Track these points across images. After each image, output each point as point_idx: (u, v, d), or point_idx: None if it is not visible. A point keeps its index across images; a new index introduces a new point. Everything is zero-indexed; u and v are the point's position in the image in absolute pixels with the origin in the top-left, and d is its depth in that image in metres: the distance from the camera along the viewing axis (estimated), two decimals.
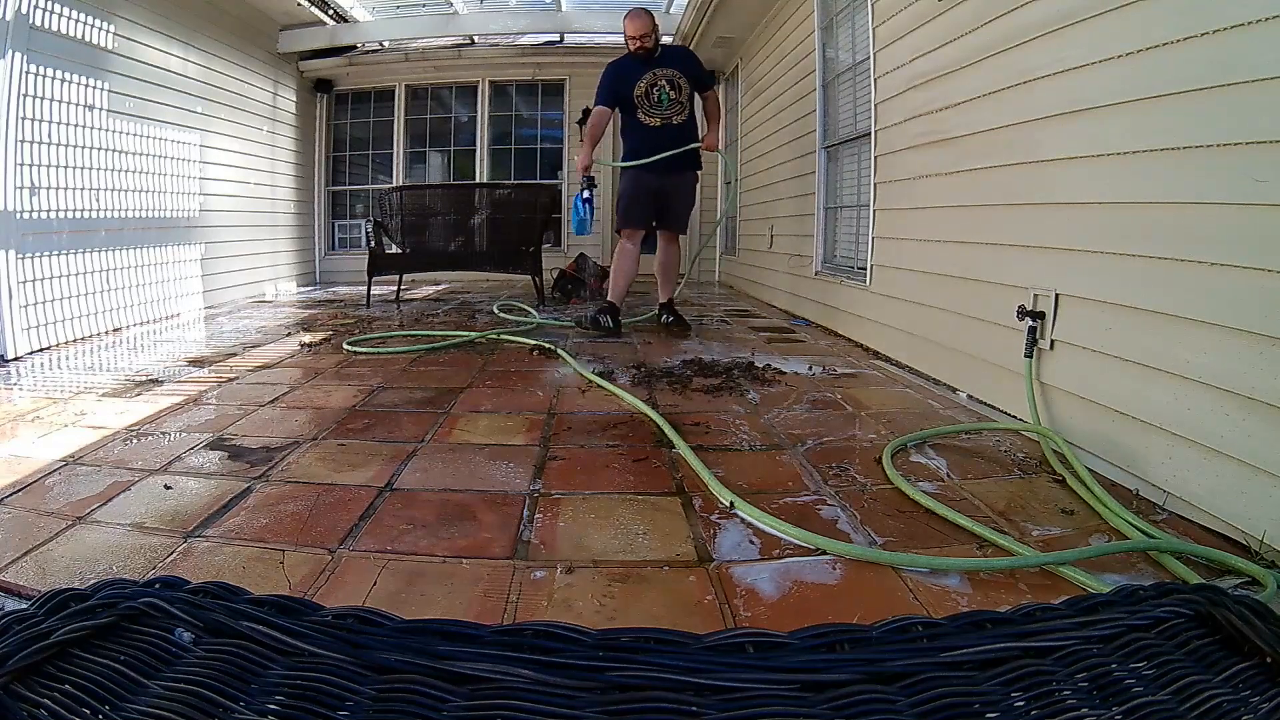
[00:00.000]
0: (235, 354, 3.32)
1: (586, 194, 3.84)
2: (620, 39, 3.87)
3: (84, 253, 3.79)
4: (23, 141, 3.34)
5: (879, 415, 2.28)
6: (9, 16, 3.22)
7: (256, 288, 5.96)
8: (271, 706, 0.47)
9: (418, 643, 0.51)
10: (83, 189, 3.81)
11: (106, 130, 4.00)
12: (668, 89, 3.64)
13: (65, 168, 3.66)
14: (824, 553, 1.34)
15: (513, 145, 7.45)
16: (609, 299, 3.86)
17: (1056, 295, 2.00)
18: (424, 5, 6.51)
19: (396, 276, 5.57)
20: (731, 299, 5.65)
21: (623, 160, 3.84)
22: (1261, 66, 1.37)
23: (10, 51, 3.23)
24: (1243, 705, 0.48)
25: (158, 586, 0.56)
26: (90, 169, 3.87)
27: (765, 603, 1.19)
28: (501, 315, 4.49)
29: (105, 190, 4.01)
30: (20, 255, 3.31)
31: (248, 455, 1.87)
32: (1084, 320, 1.91)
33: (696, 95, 3.80)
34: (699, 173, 3.94)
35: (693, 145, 3.73)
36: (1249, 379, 1.39)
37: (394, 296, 5.55)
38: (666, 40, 4.70)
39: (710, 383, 2.67)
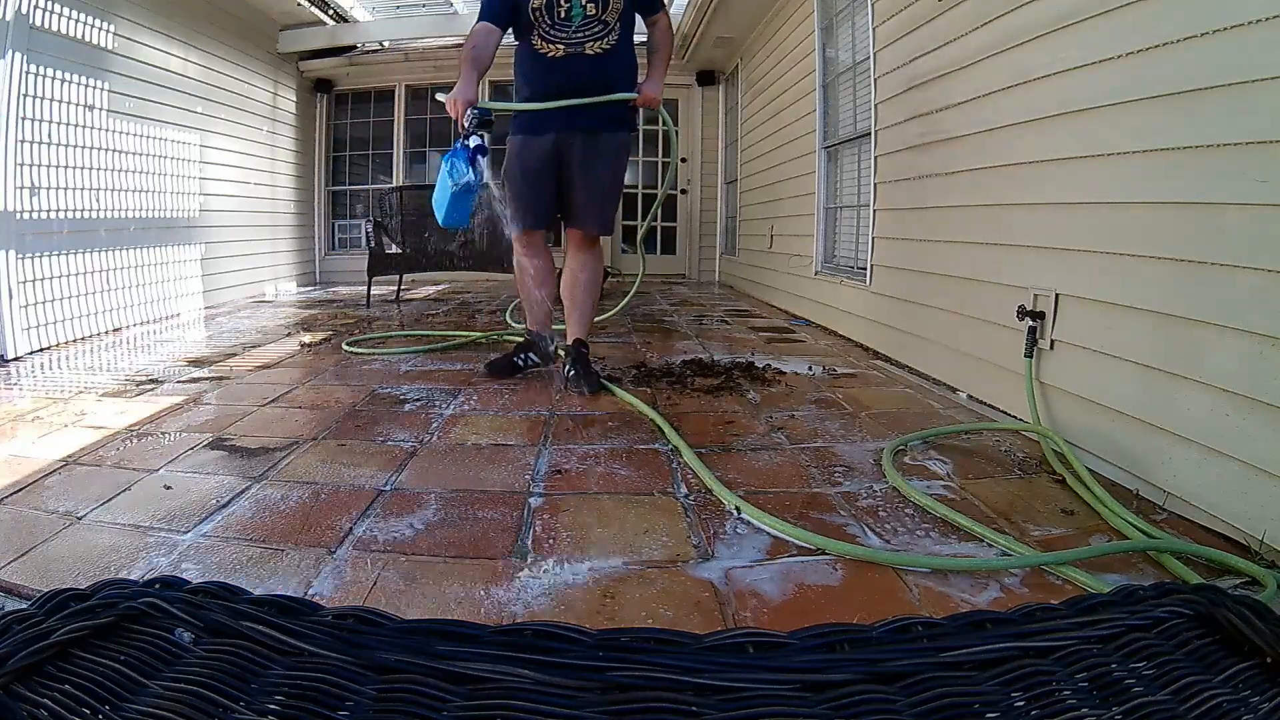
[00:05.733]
0: (235, 354, 3.32)
1: (474, 140, 2.23)
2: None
3: (84, 253, 3.79)
4: (23, 141, 3.34)
5: (879, 415, 2.28)
6: (9, 16, 3.22)
7: (256, 288, 5.96)
8: (271, 706, 0.47)
9: (418, 643, 0.51)
10: (83, 189, 3.81)
11: (106, 130, 4.00)
12: (584, 1, 2.36)
13: (65, 168, 3.66)
14: (824, 553, 1.34)
15: None
16: (529, 325, 2.76)
17: (1056, 295, 2.00)
18: (424, 5, 6.50)
19: (396, 276, 5.57)
20: (731, 299, 5.65)
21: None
22: (1261, 66, 1.37)
23: (10, 51, 3.23)
24: (1243, 705, 0.48)
25: (158, 586, 0.56)
26: (90, 169, 3.87)
27: (766, 603, 1.19)
28: (509, 322, 4.49)
29: (105, 190, 4.01)
30: (20, 255, 3.31)
31: (248, 455, 1.87)
32: (1084, 320, 1.91)
33: (640, 19, 2.51)
34: (631, 135, 2.60)
35: (620, 95, 2.43)
36: (1249, 379, 1.39)
37: (394, 296, 5.56)
38: None
39: (710, 383, 2.67)
